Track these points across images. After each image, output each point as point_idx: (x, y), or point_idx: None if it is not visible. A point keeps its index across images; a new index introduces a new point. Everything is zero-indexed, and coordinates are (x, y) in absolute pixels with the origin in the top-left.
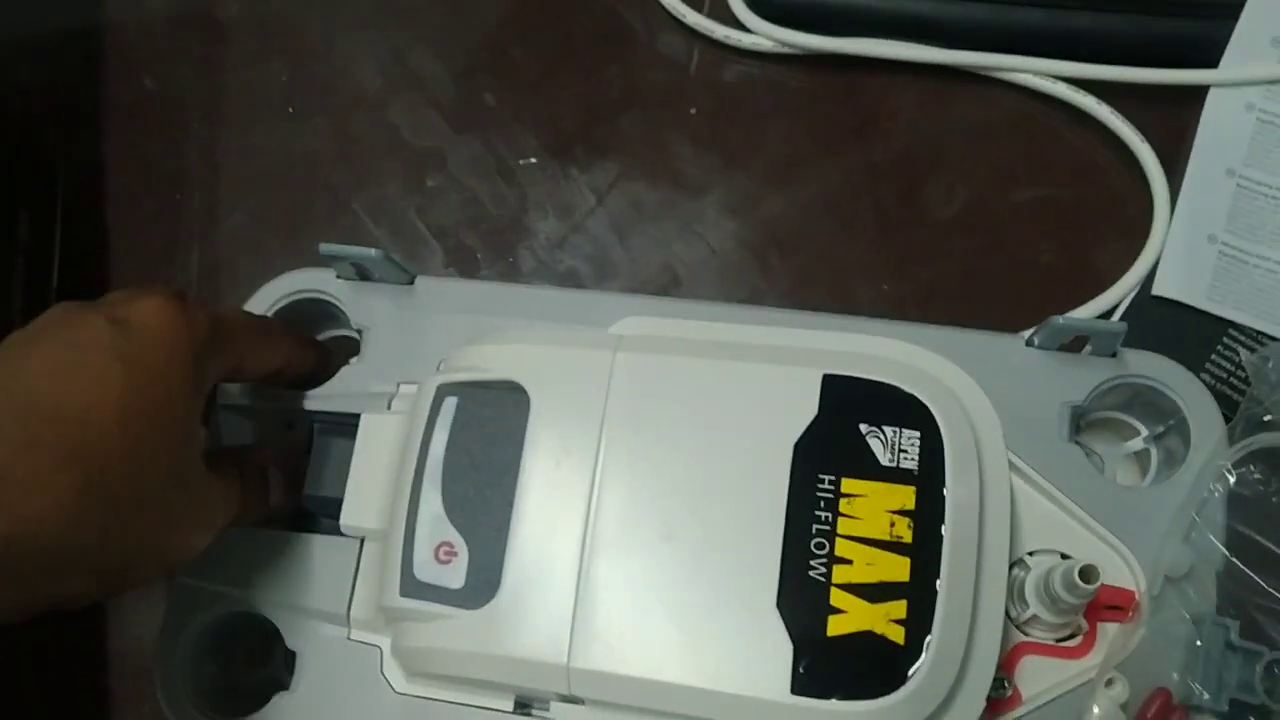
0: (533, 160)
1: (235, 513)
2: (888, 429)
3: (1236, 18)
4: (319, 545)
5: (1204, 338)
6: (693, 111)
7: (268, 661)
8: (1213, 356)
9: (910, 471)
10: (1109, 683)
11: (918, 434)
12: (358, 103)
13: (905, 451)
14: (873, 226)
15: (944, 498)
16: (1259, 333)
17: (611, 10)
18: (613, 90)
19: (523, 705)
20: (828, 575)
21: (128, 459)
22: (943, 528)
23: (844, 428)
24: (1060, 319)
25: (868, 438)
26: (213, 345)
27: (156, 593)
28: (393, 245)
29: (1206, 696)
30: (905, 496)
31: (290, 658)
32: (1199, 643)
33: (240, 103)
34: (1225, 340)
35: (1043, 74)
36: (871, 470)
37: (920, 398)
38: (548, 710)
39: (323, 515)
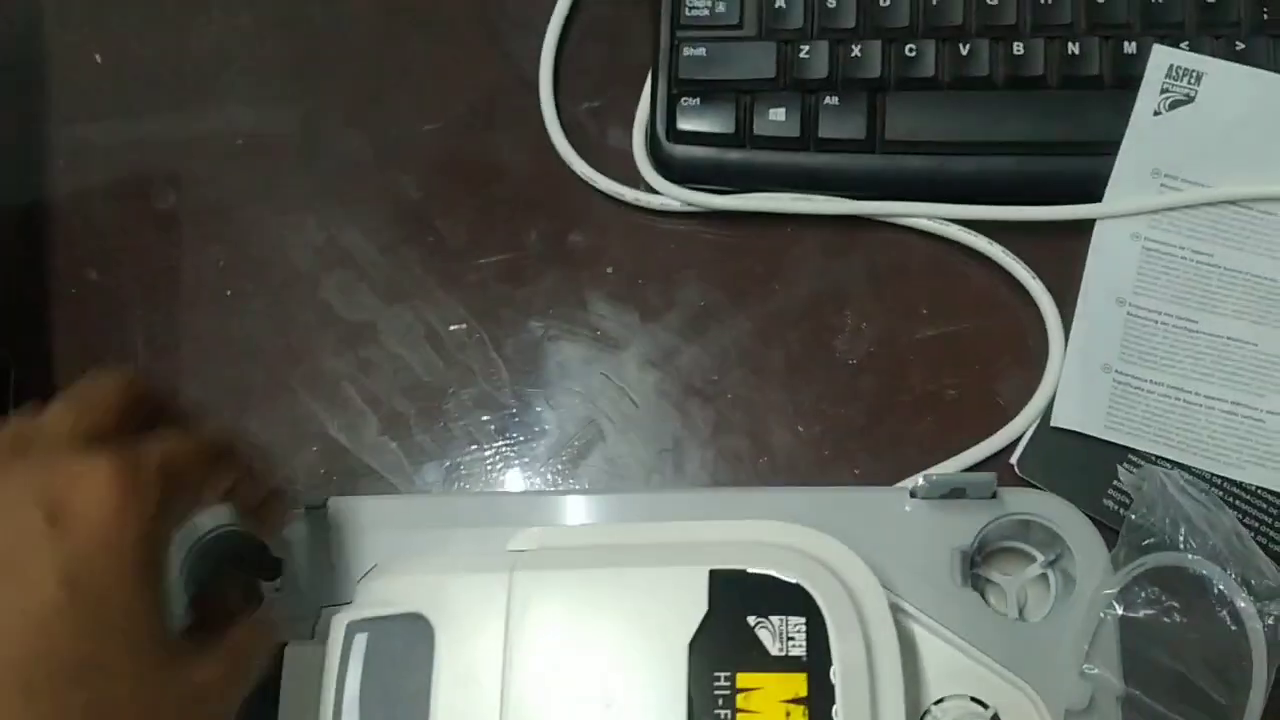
0: (461, 326)
1: (237, 689)
2: (774, 619)
3: (1116, 152)
4: None
5: (1103, 465)
6: (609, 270)
7: None
8: (1115, 482)
9: (799, 659)
10: None
11: (803, 620)
12: (291, 282)
13: (793, 639)
14: (784, 372)
15: (832, 685)
16: (1157, 457)
17: (527, 180)
18: (533, 255)
19: None
20: None
21: (89, 683)
22: (834, 709)
23: (734, 622)
24: (933, 475)
25: (756, 629)
26: (165, 504)
27: None
28: (329, 416)
29: None
30: (797, 684)
31: None
32: None
33: (180, 288)
34: (1124, 466)
35: (935, 218)
36: (763, 662)
37: (801, 584)
38: None
39: None
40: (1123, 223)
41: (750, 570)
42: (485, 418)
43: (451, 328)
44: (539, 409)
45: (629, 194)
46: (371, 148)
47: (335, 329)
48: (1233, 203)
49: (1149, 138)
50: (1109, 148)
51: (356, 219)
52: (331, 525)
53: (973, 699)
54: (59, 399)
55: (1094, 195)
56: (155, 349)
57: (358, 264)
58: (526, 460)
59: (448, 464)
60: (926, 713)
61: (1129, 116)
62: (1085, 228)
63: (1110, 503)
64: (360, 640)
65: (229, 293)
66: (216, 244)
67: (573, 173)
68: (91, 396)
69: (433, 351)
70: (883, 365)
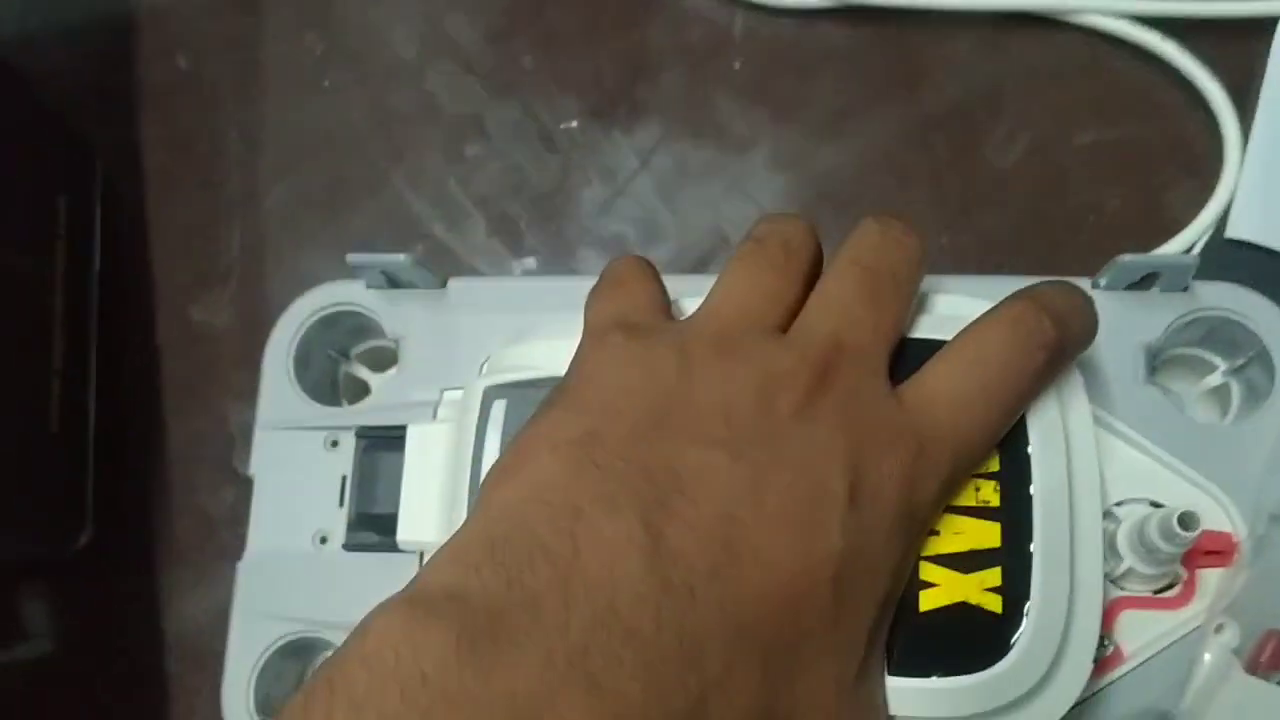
0: (574, 124)
1: None
2: None
3: None
4: (377, 563)
5: None
6: (736, 66)
7: None
8: None
9: None
10: (1218, 628)
11: None
12: (393, 72)
13: None
14: (929, 178)
15: (1028, 457)
16: None
17: None
18: (653, 48)
19: None
20: None
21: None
22: (1030, 488)
23: None
24: (1127, 256)
25: None
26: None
27: (212, 577)
28: (434, 216)
29: None
30: (990, 459)
31: None
32: None
33: (275, 78)
34: None
35: (1102, 12)
36: None
37: None
38: None
39: (378, 533)
40: None
41: (932, 338)
42: (600, 222)
43: (564, 125)
44: (658, 214)
45: None
46: None
47: (440, 123)
48: None
49: None
50: None
51: (462, 7)
52: (451, 307)
53: (1154, 503)
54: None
55: None
56: (248, 142)
57: (464, 55)
58: None
59: (561, 268)
60: (1107, 514)
61: None
62: (1268, 27)
63: None
64: (499, 407)
65: (326, 83)
66: (312, 31)
67: None
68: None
69: (544, 150)
70: (1037, 173)
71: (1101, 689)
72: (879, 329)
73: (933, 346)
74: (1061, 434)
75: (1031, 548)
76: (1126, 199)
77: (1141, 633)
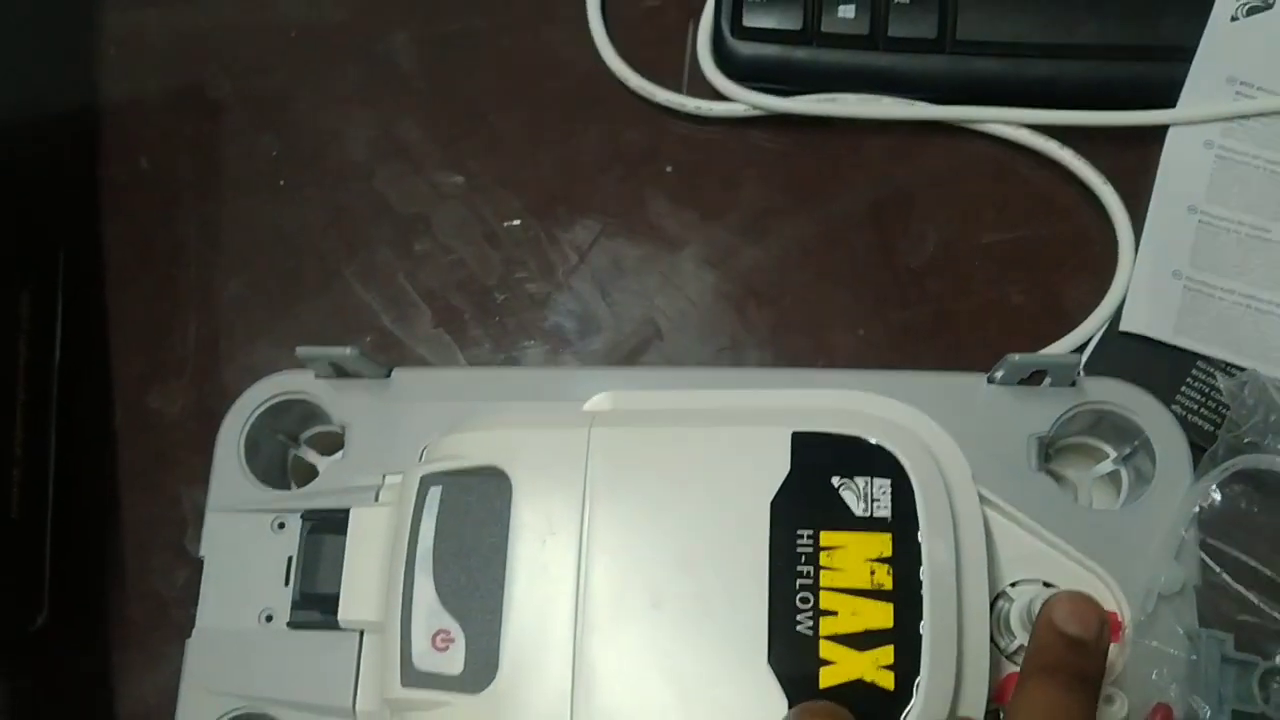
0: (516, 222)
1: None
2: (859, 479)
3: (1191, 58)
4: (319, 641)
5: (1173, 371)
6: (668, 169)
7: None
8: (1182, 389)
9: (884, 519)
10: (1108, 699)
11: (888, 482)
12: (346, 173)
13: (878, 500)
14: (846, 274)
15: (919, 542)
16: (1226, 363)
17: (587, 81)
18: (591, 152)
19: None
20: (815, 628)
21: None
22: (921, 571)
23: (817, 482)
24: (1017, 356)
25: (840, 490)
26: None
27: (163, 657)
28: (383, 309)
29: (1208, 710)
30: (882, 544)
31: None
32: (1194, 657)
33: (233, 177)
34: (1194, 372)
35: (1005, 122)
36: (847, 521)
37: (886, 447)
38: None
39: (321, 612)
40: (1196, 130)
41: (833, 432)
42: (540, 314)
43: (507, 224)
44: (595, 306)
45: (689, 104)
46: (424, 43)
47: (389, 221)
48: None
49: (1225, 44)
50: (1184, 53)
51: (412, 114)
52: (395, 395)
53: (1046, 583)
54: None
55: (1168, 101)
56: (206, 238)
57: (413, 157)
58: (582, 357)
59: (502, 358)
60: (1000, 595)
61: (1206, 21)
62: (1158, 134)
63: (1178, 409)
64: (435, 493)
65: (282, 183)
66: (269, 134)
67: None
68: None
69: (488, 246)
70: (946, 270)
71: None
72: None
73: (829, 439)
74: (950, 521)
75: (921, 627)
76: (1028, 295)
77: None
